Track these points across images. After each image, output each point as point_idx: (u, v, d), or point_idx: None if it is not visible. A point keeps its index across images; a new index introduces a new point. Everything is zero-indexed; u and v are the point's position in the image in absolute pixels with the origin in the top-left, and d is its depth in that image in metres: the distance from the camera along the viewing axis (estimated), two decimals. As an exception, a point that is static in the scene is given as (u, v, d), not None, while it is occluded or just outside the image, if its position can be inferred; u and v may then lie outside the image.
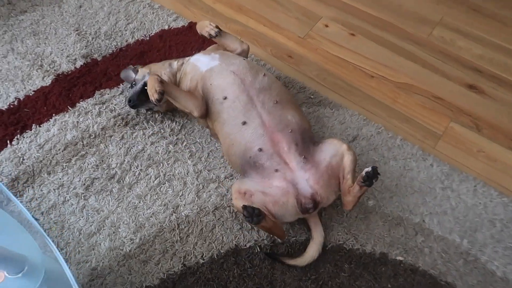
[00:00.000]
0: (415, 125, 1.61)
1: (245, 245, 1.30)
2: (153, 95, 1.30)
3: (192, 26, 1.83)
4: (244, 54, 1.51)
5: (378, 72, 1.76)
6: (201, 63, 1.42)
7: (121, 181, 1.41)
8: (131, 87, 1.53)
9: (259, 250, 1.29)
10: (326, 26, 1.91)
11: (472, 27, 1.92)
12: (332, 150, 1.25)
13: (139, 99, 1.46)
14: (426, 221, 1.37)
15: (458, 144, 1.57)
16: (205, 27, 1.48)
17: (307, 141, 1.27)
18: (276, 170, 1.22)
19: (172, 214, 1.35)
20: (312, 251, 1.26)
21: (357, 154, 1.49)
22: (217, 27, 1.48)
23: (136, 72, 1.53)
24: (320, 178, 1.21)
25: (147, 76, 1.48)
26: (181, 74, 1.47)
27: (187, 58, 1.50)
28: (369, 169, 1.16)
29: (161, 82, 1.32)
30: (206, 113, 1.36)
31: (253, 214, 1.13)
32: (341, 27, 1.91)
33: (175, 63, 1.51)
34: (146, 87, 1.41)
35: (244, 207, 1.14)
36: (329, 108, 1.61)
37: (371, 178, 1.15)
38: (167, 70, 1.48)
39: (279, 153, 1.23)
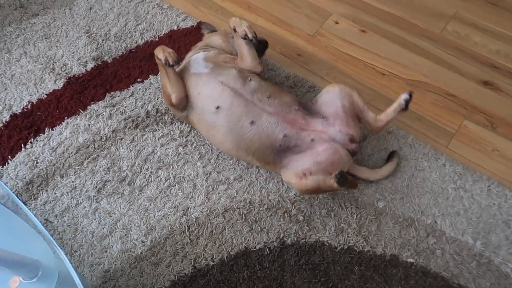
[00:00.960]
0: (427, 123, 1.58)
1: (255, 247, 1.30)
2: (169, 57, 1.33)
3: (201, 25, 1.82)
4: (252, 73, 1.42)
5: (389, 69, 1.73)
6: (194, 64, 1.41)
7: (132, 183, 1.42)
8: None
9: (268, 252, 1.29)
10: (336, 23, 1.88)
11: (488, 21, 1.86)
12: (336, 96, 1.37)
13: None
14: (438, 222, 1.35)
15: (472, 143, 1.53)
16: (243, 26, 1.39)
17: (310, 107, 1.38)
18: (312, 140, 1.30)
19: (182, 216, 1.36)
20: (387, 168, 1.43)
21: (367, 154, 1.49)
22: (255, 33, 1.39)
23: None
24: (347, 122, 1.33)
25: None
26: (181, 66, 1.46)
27: (196, 49, 1.53)
28: (406, 96, 1.33)
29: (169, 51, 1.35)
30: (182, 107, 1.40)
31: (345, 177, 1.23)
32: (352, 23, 1.87)
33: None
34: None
35: (339, 174, 1.23)
36: (339, 108, 1.60)
37: (408, 102, 1.34)
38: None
39: (303, 128, 1.31)
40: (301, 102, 1.40)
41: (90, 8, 1.89)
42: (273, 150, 1.31)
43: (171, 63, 1.32)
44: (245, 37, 1.39)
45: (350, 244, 1.31)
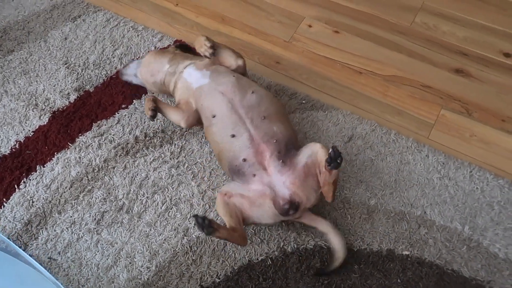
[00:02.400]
0: (407, 117, 1.64)
1: (257, 259, 1.35)
2: (147, 113, 1.45)
3: (177, 42, 1.84)
4: (240, 69, 1.52)
5: (365, 67, 1.78)
6: (192, 79, 1.47)
7: (130, 211, 1.45)
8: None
9: (270, 262, 1.34)
10: (310, 26, 1.92)
11: (454, 9, 1.93)
12: (308, 151, 1.31)
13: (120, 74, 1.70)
14: (427, 213, 1.42)
15: (451, 131, 1.60)
16: (201, 47, 1.49)
17: (290, 148, 1.34)
18: (254, 175, 1.30)
19: (183, 238, 1.40)
20: (336, 243, 1.29)
21: (354, 154, 1.54)
22: (211, 47, 1.47)
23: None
24: (296, 179, 1.27)
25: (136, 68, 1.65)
26: (173, 85, 1.53)
27: (180, 68, 1.53)
28: (330, 150, 1.20)
29: (154, 99, 1.47)
30: (196, 123, 1.48)
31: (203, 224, 1.16)
32: (325, 25, 1.92)
33: (166, 67, 1.55)
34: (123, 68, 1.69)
35: (195, 216, 1.16)
36: (322, 111, 1.65)
37: (335, 158, 1.19)
38: (153, 73, 1.58)
39: (261, 162, 1.31)
40: (291, 139, 1.36)
41: (65, 38, 1.89)
42: (230, 166, 1.35)
43: (150, 115, 1.44)
44: (206, 57, 1.49)
45: (347, 245, 1.36)
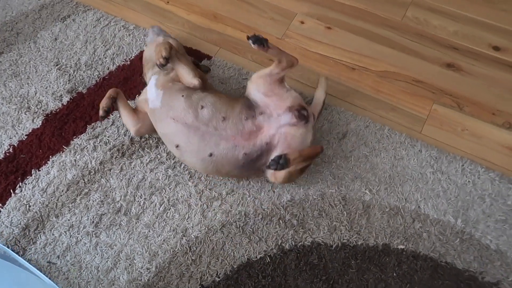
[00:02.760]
0: (400, 112, 1.66)
1: (256, 257, 1.37)
2: (159, 59, 1.44)
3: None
4: (197, 88, 1.46)
5: (358, 63, 1.79)
6: (150, 96, 1.48)
7: (128, 213, 1.46)
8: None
9: (269, 260, 1.36)
10: (302, 23, 1.92)
11: (444, 3, 1.94)
12: (254, 89, 1.43)
13: None
14: (421, 207, 1.45)
15: (443, 125, 1.63)
16: (157, 55, 1.44)
17: (249, 102, 1.42)
18: (267, 143, 1.36)
19: (182, 238, 1.41)
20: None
21: (348, 150, 1.56)
22: (165, 58, 1.42)
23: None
24: (276, 101, 1.39)
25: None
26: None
27: (149, 74, 1.58)
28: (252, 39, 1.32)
29: (113, 98, 1.48)
30: (146, 133, 1.54)
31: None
32: (317, 21, 1.92)
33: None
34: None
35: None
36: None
37: (256, 39, 1.33)
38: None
39: (256, 136, 1.36)
40: (244, 101, 1.43)
41: (55, 39, 1.86)
42: (240, 167, 1.38)
43: (160, 63, 1.43)
44: (159, 66, 1.45)
45: (344, 241, 1.39)
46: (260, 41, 1.33)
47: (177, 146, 1.40)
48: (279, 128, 1.36)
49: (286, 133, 1.35)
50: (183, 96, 1.42)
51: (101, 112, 1.43)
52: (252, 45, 1.33)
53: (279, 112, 1.37)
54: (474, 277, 1.32)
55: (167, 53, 1.43)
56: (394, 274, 1.33)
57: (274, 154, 1.35)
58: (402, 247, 1.38)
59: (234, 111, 1.39)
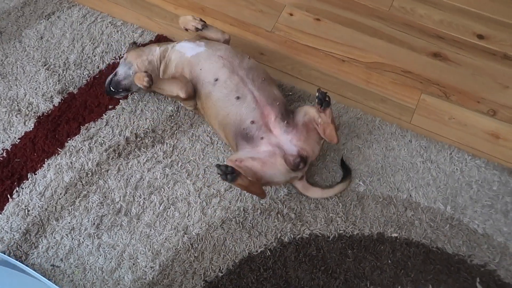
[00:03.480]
0: (390, 103, 1.71)
1: (256, 251, 1.42)
2: (142, 81, 1.43)
3: (160, 39, 1.82)
4: (226, 43, 1.61)
5: (348, 55, 1.82)
6: (187, 49, 1.53)
7: (128, 213, 1.48)
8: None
9: (269, 253, 1.41)
10: (291, 14, 1.93)
11: (429, -8, 1.98)
12: (302, 113, 1.42)
13: (112, 87, 1.60)
14: (412, 196, 1.51)
15: (431, 115, 1.68)
16: (190, 22, 1.57)
17: (288, 111, 1.45)
18: (262, 138, 1.38)
19: (183, 236, 1.44)
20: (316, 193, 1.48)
21: (342, 143, 1.61)
22: (201, 20, 1.57)
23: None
24: (301, 135, 1.38)
25: (129, 68, 1.59)
26: (166, 61, 1.57)
27: (171, 44, 1.60)
28: (316, 94, 1.32)
29: (147, 73, 1.44)
30: (194, 95, 1.49)
31: (227, 172, 1.26)
32: (306, 13, 1.93)
33: (157, 50, 1.60)
34: (115, 76, 1.61)
35: (218, 166, 1.27)
36: (308, 102, 1.69)
37: (323, 98, 1.31)
38: (148, 57, 1.58)
39: (267, 124, 1.39)
40: (285, 102, 1.47)
41: (41, 37, 1.82)
42: (236, 130, 1.41)
43: (146, 85, 1.43)
44: (197, 29, 1.57)
45: (340, 232, 1.45)
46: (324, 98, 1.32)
47: (216, 80, 1.43)
48: (278, 147, 1.36)
49: (276, 156, 1.34)
50: (227, 46, 1.54)
51: (146, 80, 1.42)
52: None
53: (293, 141, 1.36)
54: (463, 261, 1.40)
55: (199, 20, 1.57)
56: (389, 261, 1.40)
57: (253, 148, 1.38)
58: (395, 235, 1.45)
59: (272, 87, 1.46)
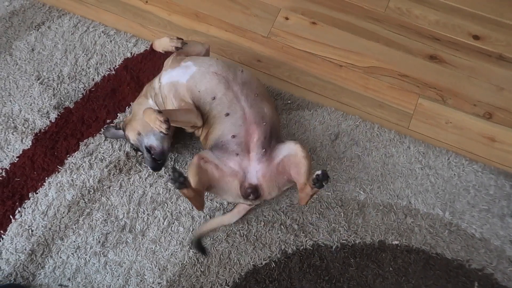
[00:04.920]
0: (388, 109, 1.72)
1: (261, 263, 1.44)
2: (161, 126, 1.25)
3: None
4: (207, 53, 1.58)
5: (345, 60, 1.81)
6: (179, 77, 1.43)
7: (133, 230, 1.49)
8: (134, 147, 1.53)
9: (274, 265, 1.44)
10: (287, 18, 1.90)
11: (424, -9, 1.96)
12: (287, 149, 1.36)
13: (159, 160, 1.45)
14: (412, 202, 1.54)
15: (428, 119, 1.70)
16: (168, 43, 1.50)
17: (274, 136, 1.40)
18: (237, 154, 1.36)
19: (189, 251, 1.46)
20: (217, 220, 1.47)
21: (341, 151, 1.62)
22: (178, 38, 1.50)
23: (118, 127, 1.54)
24: (268, 174, 1.36)
25: (143, 137, 1.45)
26: (162, 97, 1.46)
27: (156, 85, 1.48)
28: (319, 172, 1.24)
29: (158, 111, 1.27)
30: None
31: (177, 178, 1.22)
32: (301, 17, 1.91)
33: (156, 83, 1.48)
34: (150, 150, 1.45)
35: (173, 169, 1.22)
36: (307, 110, 1.69)
37: (321, 181, 1.24)
38: (152, 101, 1.49)
39: (247, 143, 1.37)
40: (275, 124, 1.42)
41: (32, 50, 1.78)
42: (216, 142, 1.38)
43: (165, 132, 1.26)
44: (177, 48, 1.49)
45: (342, 241, 1.48)
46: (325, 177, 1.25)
47: (213, 98, 1.38)
48: (243, 171, 1.35)
49: (235, 176, 1.34)
50: (216, 59, 1.49)
51: (164, 126, 1.25)
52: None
53: (258, 175, 1.35)
54: (462, 265, 1.45)
55: (176, 38, 1.49)
56: (391, 269, 1.44)
57: (224, 158, 1.36)
58: (396, 242, 1.48)
59: (263, 104, 1.41)
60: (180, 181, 1.22)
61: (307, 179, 1.30)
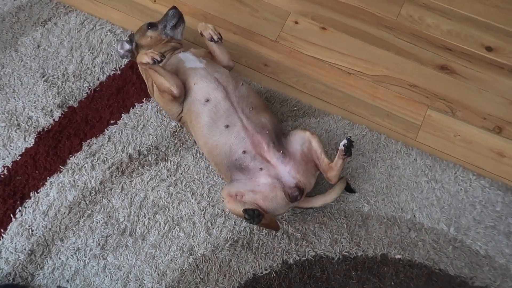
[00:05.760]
0: (395, 119, 1.69)
1: (261, 273, 1.43)
2: (152, 56, 1.37)
3: (161, 49, 1.76)
4: (228, 69, 1.59)
5: (354, 67, 1.79)
6: (187, 61, 1.50)
7: (133, 233, 1.47)
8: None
9: (274, 275, 1.43)
10: (296, 23, 1.87)
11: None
12: (300, 139, 1.41)
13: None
14: (416, 216, 1.52)
15: (437, 131, 1.67)
16: (209, 30, 1.55)
17: (280, 136, 1.42)
18: (261, 169, 1.37)
19: (189, 257, 1.45)
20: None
21: (347, 161, 1.59)
22: (219, 34, 1.55)
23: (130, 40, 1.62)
24: (300, 167, 1.37)
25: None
26: (165, 60, 1.52)
27: (177, 50, 1.58)
28: (344, 141, 1.33)
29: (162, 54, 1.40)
30: (182, 100, 1.45)
31: (254, 216, 1.27)
32: (311, 21, 1.87)
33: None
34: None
35: (245, 211, 1.27)
36: (314, 118, 1.67)
37: (349, 147, 1.33)
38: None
39: (261, 153, 1.38)
40: (277, 127, 1.44)
41: (38, 46, 1.76)
42: (228, 161, 1.39)
43: (158, 59, 1.37)
44: (211, 39, 1.54)
45: (344, 253, 1.46)
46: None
47: (207, 100, 1.40)
48: (278, 178, 1.35)
49: (276, 189, 1.34)
50: (226, 70, 1.51)
51: (159, 55, 1.38)
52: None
53: (292, 173, 1.35)
54: (465, 283, 1.42)
55: (218, 33, 1.55)
56: (392, 283, 1.42)
57: (252, 181, 1.36)
58: (399, 256, 1.46)
59: (261, 114, 1.41)
60: (257, 215, 1.26)
61: (328, 158, 1.37)
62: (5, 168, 1.55)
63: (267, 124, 1.41)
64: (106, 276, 1.42)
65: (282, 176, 1.35)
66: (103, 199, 1.52)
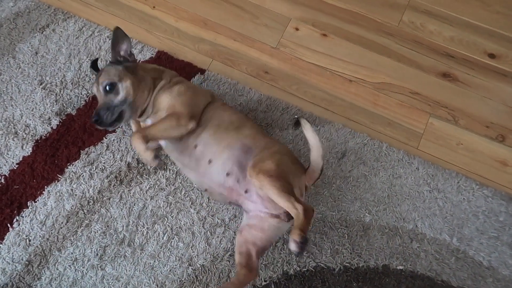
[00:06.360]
0: (397, 127, 1.67)
1: (261, 284, 1.41)
2: (148, 162, 1.30)
3: (161, 56, 1.75)
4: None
5: (355, 75, 1.77)
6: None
7: (132, 243, 1.45)
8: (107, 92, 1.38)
9: (274, 286, 1.41)
10: (297, 29, 1.86)
11: (440, 6, 1.90)
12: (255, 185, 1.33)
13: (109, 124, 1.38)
14: (418, 226, 1.50)
15: (439, 140, 1.65)
16: (144, 154, 1.31)
17: (246, 163, 1.34)
18: (254, 202, 1.35)
19: (188, 267, 1.43)
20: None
21: (348, 170, 1.58)
22: (155, 156, 1.31)
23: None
24: (269, 201, 1.31)
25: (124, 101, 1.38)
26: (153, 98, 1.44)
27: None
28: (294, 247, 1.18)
29: (144, 137, 1.28)
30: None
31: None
32: (312, 28, 1.86)
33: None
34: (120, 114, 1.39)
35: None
36: (314, 126, 1.64)
37: (303, 248, 1.19)
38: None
39: (236, 200, 1.38)
40: (240, 155, 1.35)
41: (36, 53, 1.75)
42: (230, 203, 1.44)
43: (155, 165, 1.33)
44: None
45: (346, 264, 1.44)
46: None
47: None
48: (259, 210, 1.34)
49: (264, 218, 1.33)
50: (180, 140, 1.40)
51: (156, 162, 1.31)
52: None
53: (268, 206, 1.32)
54: (468, 294, 1.41)
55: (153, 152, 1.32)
56: (394, 295, 1.41)
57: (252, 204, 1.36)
58: (401, 267, 1.44)
59: (221, 156, 1.35)
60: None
61: (287, 200, 1.24)
62: (2, 177, 1.53)
63: (228, 163, 1.34)
64: (104, 287, 1.40)
65: (261, 209, 1.33)
66: (101, 209, 1.50)
